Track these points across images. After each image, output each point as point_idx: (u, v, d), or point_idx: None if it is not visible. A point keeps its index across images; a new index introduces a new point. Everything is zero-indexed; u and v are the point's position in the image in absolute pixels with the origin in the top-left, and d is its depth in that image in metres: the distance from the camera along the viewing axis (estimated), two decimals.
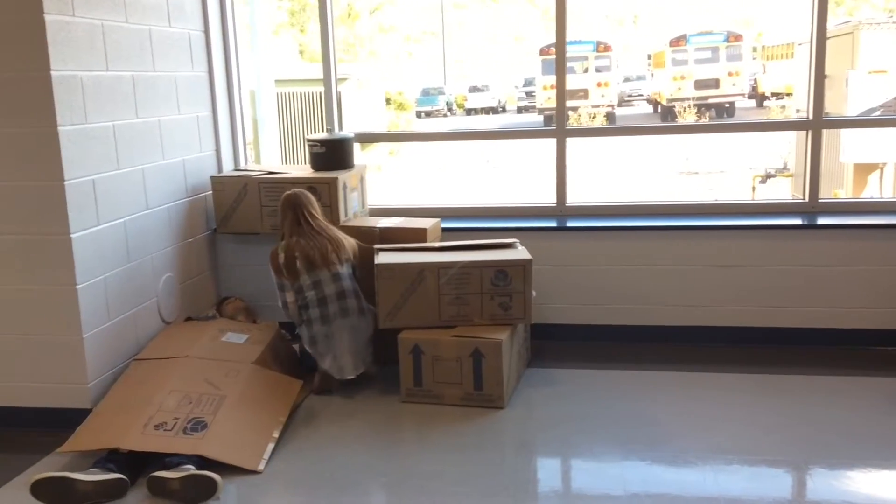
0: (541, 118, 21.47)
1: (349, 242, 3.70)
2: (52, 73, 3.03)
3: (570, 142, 4.25)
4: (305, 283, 3.57)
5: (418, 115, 27.90)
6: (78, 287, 3.19)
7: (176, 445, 2.89)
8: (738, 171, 11.82)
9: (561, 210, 4.33)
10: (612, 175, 11.18)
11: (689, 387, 3.59)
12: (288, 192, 3.74)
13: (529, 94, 26.20)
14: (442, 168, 13.35)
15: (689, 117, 14.53)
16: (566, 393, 3.56)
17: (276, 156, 4.66)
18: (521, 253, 3.63)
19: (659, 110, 22.86)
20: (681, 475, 2.84)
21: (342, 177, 4.05)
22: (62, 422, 3.20)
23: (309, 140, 4.25)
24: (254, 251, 4.27)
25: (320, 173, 4.11)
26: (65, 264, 3.17)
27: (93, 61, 3.27)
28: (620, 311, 4.13)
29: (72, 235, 3.16)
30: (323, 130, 4.43)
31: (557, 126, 4.26)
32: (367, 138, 5.01)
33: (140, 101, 3.60)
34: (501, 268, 3.50)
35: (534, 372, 3.79)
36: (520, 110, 27.58)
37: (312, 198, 3.74)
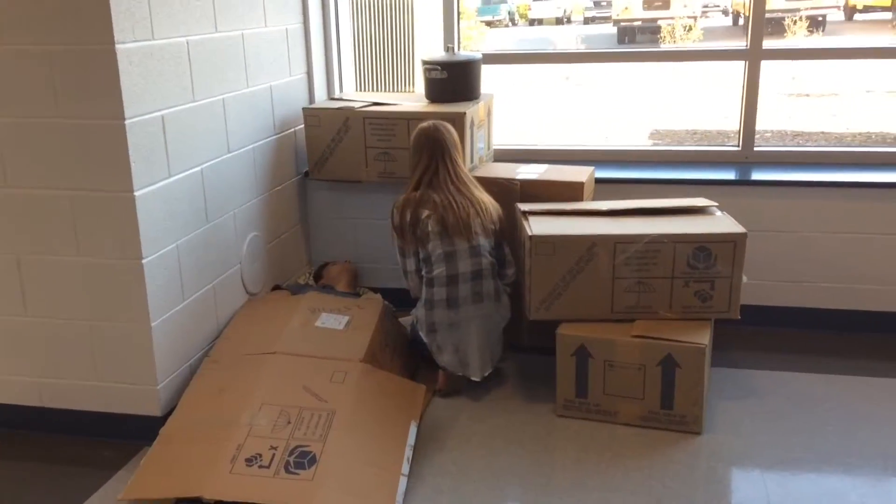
0: (614, 30, 19.96)
1: (494, 205, 2.81)
2: None
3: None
4: (435, 254, 2.71)
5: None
6: (144, 261, 2.40)
7: (279, 493, 2.12)
8: (853, 94, 10.46)
9: (746, 156, 3.36)
10: (695, 101, 9.97)
11: None
12: (425, 124, 2.82)
13: (598, 4, 24.53)
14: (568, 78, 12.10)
15: (800, 32, 12.99)
16: (779, 408, 2.69)
17: (351, 78, 3.74)
18: (726, 222, 2.71)
19: (741, 23, 21.05)
20: None
21: (470, 111, 3.14)
22: (127, 430, 2.51)
23: (425, 62, 3.32)
24: (354, 203, 3.44)
25: (441, 105, 3.21)
26: (127, 231, 2.36)
27: None
28: (828, 291, 3.21)
29: (135, 193, 2.34)
30: (434, 50, 3.48)
31: (751, 45, 3.25)
32: (500, 59, 3.98)
33: (220, 8, 2.71)
34: (703, 243, 2.60)
35: (722, 373, 2.92)
36: (587, 21, 25.92)
37: (457, 137, 2.83)
